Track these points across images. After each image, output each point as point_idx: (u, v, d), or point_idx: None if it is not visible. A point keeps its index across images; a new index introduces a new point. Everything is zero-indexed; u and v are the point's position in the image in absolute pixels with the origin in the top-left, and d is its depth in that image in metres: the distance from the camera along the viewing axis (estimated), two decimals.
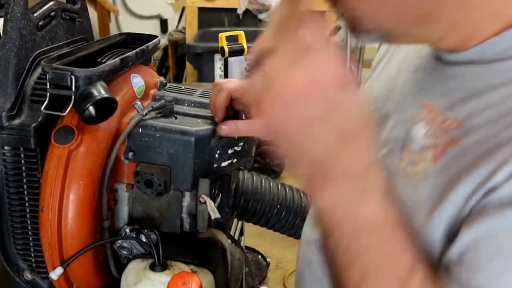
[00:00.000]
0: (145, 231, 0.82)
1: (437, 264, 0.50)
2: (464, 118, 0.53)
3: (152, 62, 1.03)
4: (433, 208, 0.52)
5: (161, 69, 4.29)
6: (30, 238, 0.84)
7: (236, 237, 1.26)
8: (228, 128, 0.84)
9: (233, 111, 0.89)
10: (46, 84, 0.75)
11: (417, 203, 0.53)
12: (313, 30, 0.45)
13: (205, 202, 0.81)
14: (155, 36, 1.00)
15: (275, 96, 0.45)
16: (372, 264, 0.48)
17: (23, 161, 0.80)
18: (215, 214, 0.81)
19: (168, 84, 1.00)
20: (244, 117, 0.89)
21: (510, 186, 0.45)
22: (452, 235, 0.50)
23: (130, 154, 0.83)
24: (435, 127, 0.56)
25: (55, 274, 0.78)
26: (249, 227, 1.35)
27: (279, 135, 0.48)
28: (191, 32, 3.87)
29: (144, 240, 0.82)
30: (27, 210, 0.83)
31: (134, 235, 0.83)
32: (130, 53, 0.87)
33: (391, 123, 0.65)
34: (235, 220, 1.23)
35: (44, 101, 0.76)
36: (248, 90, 0.48)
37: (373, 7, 0.53)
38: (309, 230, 0.81)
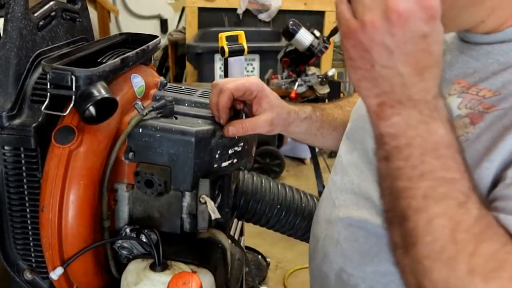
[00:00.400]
0: (145, 231, 0.82)
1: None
2: (498, 88, 0.58)
3: (152, 62, 1.03)
4: (479, 163, 0.55)
5: (161, 69, 4.30)
6: (30, 238, 0.84)
7: (236, 237, 1.26)
8: (235, 129, 0.85)
9: (234, 110, 0.90)
10: (46, 84, 0.75)
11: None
12: None
13: (205, 202, 0.81)
14: (155, 36, 1.00)
15: (382, 13, 0.47)
16: (436, 184, 0.50)
17: (23, 161, 0.80)
18: (215, 214, 0.81)
19: (168, 84, 1.00)
20: (244, 116, 0.90)
21: None
22: (497, 183, 0.54)
23: (130, 154, 0.83)
24: (469, 98, 0.61)
25: (56, 274, 0.78)
26: (249, 227, 1.35)
27: (362, 59, 0.50)
28: (191, 32, 3.87)
29: (144, 240, 0.82)
30: (27, 210, 0.83)
31: (134, 235, 0.83)
32: (131, 53, 0.87)
33: None
34: (235, 220, 1.23)
35: (44, 101, 0.76)
36: (341, 15, 0.50)
37: None
38: (330, 211, 0.83)
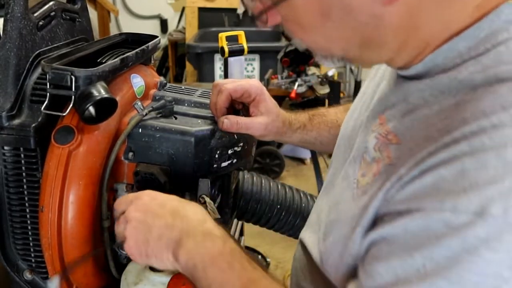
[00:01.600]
0: None
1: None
2: (401, 133, 0.55)
3: (152, 62, 1.03)
4: (357, 223, 0.55)
5: (161, 69, 4.30)
6: (30, 238, 0.84)
7: (236, 237, 1.26)
8: (230, 123, 0.84)
9: (233, 111, 0.89)
10: (46, 84, 0.75)
11: (352, 216, 0.57)
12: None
13: (205, 202, 0.81)
14: (155, 36, 1.00)
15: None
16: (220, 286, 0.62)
17: (23, 161, 0.80)
18: (215, 215, 0.81)
19: (168, 84, 1.00)
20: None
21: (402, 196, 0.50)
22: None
23: (130, 154, 0.83)
24: (382, 140, 0.58)
25: (53, 284, 0.78)
26: (249, 227, 1.35)
27: (136, 242, 0.68)
28: (191, 32, 3.87)
29: None
30: (27, 210, 0.83)
31: None
32: (130, 53, 0.87)
33: (361, 130, 0.67)
34: (235, 220, 1.23)
35: (44, 101, 0.76)
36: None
37: (320, 41, 0.56)
38: (303, 230, 0.82)
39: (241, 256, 0.64)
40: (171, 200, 0.71)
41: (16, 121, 0.80)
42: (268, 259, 2.44)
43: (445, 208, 0.45)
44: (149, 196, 0.71)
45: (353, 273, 0.57)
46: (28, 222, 0.83)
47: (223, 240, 0.65)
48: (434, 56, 0.55)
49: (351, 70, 4.28)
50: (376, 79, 0.73)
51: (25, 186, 0.82)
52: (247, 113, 0.90)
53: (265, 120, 0.88)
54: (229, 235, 0.67)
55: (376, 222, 0.53)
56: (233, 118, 0.85)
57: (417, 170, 0.49)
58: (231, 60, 1.88)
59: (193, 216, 0.68)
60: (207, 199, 0.81)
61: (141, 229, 0.68)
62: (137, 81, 0.91)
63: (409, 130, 0.54)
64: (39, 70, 0.85)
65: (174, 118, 0.87)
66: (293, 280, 0.78)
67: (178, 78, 4.24)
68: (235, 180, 1.05)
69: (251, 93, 0.87)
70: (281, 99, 2.95)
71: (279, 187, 1.16)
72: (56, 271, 0.80)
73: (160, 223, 0.67)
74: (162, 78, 1.00)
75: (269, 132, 0.90)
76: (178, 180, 0.83)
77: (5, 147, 0.80)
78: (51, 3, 0.94)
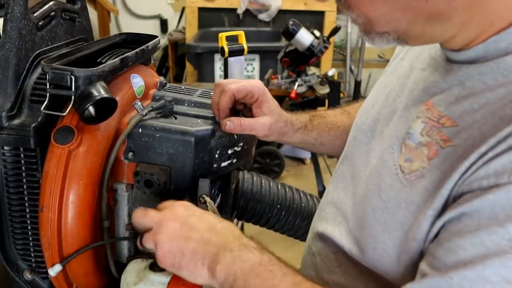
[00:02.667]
0: None
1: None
2: (457, 117, 0.56)
3: (152, 62, 1.03)
4: (424, 207, 0.56)
5: (161, 69, 4.30)
6: (30, 238, 0.84)
7: None
8: (233, 125, 0.84)
9: (234, 111, 0.89)
10: (46, 84, 0.75)
11: (411, 201, 0.58)
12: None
13: (205, 202, 0.81)
14: (155, 36, 1.00)
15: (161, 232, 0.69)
16: None
17: (23, 161, 0.80)
18: (215, 214, 0.81)
19: (168, 84, 1.00)
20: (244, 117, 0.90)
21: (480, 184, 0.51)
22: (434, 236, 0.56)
23: (130, 154, 0.83)
24: (431, 124, 0.59)
25: (54, 271, 0.78)
26: (249, 227, 1.35)
27: (169, 255, 0.67)
28: (191, 32, 3.87)
29: None
30: (27, 210, 0.83)
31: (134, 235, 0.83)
32: (130, 53, 0.87)
33: (395, 118, 0.67)
34: (235, 220, 1.23)
35: (44, 101, 0.76)
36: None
37: (387, 11, 0.55)
38: (315, 223, 0.83)
39: (280, 264, 0.64)
40: (207, 216, 0.71)
41: (16, 121, 0.80)
42: None
43: None
44: (186, 209, 0.71)
45: (416, 256, 0.57)
46: (28, 222, 0.83)
47: (259, 251, 0.65)
48: (497, 39, 0.55)
49: (351, 70, 4.28)
50: (399, 72, 0.74)
51: (25, 186, 0.82)
52: (248, 114, 0.90)
53: (268, 121, 0.88)
54: (263, 247, 0.68)
55: (448, 202, 0.54)
56: (236, 120, 0.85)
57: (503, 146, 0.49)
58: (231, 60, 1.88)
59: (229, 232, 0.68)
60: (207, 199, 0.80)
61: (177, 239, 0.67)
62: (137, 81, 0.91)
63: (470, 113, 0.55)
64: (39, 70, 0.85)
65: (174, 118, 0.87)
66: (312, 275, 0.78)
67: (178, 78, 4.24)
68: (235, 180, 1.05)
69: (254, 93, 0.87)
70: (281, 99, 2.95)
71: (279, 187, 1.16)
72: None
73: (197, 236, 0.67)
74: (162, 78, 1.00)
75: (272, 132, 0.90)
76: (178, 180, 0.83)
77: (5, 147, 0.80)
78: (51, 3, 0.94)
